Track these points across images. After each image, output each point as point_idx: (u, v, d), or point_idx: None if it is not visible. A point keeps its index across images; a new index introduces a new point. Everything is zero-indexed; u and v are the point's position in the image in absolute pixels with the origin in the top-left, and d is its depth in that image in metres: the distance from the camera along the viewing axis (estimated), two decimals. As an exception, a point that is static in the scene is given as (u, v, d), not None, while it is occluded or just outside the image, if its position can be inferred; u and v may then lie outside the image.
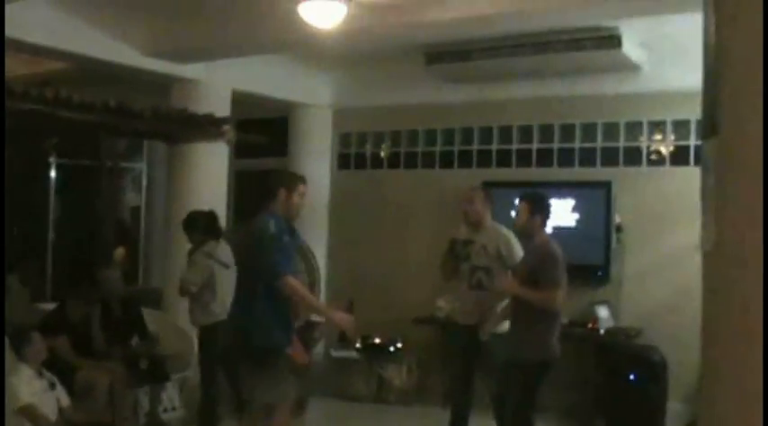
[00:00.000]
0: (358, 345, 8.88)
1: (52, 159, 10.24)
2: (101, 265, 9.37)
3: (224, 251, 7.07)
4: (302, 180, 5.84)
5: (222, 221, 8.28)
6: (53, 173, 10.34)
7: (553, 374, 7.61)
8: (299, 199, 5.71)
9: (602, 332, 7.90)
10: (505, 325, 6.10)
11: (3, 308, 6.30)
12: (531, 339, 5.71)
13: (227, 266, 6.88)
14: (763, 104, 1.56)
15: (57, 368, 6.60)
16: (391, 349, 8.80)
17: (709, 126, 1.77)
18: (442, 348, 8.62)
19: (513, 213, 6.14)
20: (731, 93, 1.67)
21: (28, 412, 6.10)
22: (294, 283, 5.55)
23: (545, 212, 5.87)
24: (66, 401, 6.51)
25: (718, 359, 1.70)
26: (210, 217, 7.22)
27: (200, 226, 7.10)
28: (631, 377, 7.48)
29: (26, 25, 6.74)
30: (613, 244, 8.12)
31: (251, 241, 5.72)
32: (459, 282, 6.63)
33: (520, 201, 5.95)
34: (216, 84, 8.42)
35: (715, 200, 1.71)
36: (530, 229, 5.84)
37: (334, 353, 9.04)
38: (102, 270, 7.89)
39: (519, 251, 6.32)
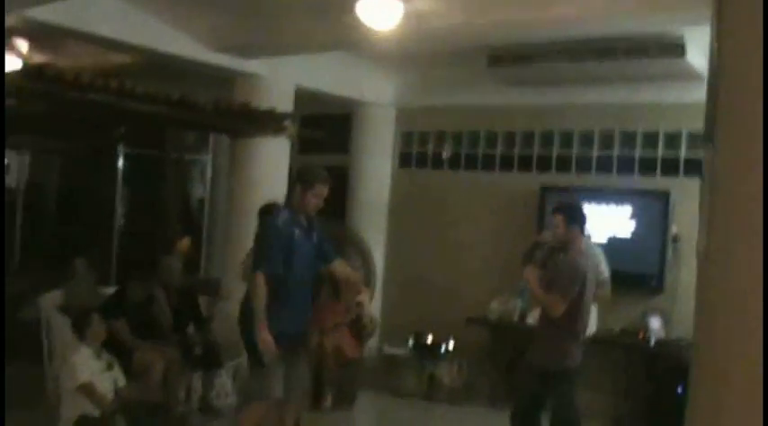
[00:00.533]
0: (410, 343, 8.96)
1: (120, 149, 10.49)
2: (164, 253, 9.61)
3: None
4: (321, 179, 5.62)
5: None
6: (120, 163, 10.59)
7: (604, 381, 7.66)
8: (314, 199, 5.57)
9: (652, 342, 7.87)
10: None
11: (3, 308, 6.47)
12: (551, 346, 5.73)
13: None
14: (763, 118, 1.61)
15: (115, 349, 6.82)
16: (443, 348, 8.86)
17: (707, 137, 1.83)
18: (493, 348, 8.70)
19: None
20: (725, 106, 1.72)
21: (86, 390, 6.31)
22: (256, 283, 5.44)
23: (581, 220, 5.83)
24: (122, 381, 6.71)
25: (708, 355, 1.76)
26: None
27: None
28: (679, 389, 7.43)
29: (94, 17, 6.95)
30: (669, 255, 8.07)
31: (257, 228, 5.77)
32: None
33: (554, 213, 5.88)
34: (279, 80, 8.56)
35: (707, 207, 1.76)
36: (568, 241, 5.76)
37: (387, 349, 9.13)
38: (165, 257, 8.05)
39: (605, 268, 6.52)
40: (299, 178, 5.68)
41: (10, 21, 6.55)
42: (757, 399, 1.56)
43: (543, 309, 5.81)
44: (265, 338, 5.43)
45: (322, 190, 5.60)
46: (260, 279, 5.43)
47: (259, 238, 5.61)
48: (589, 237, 6.71)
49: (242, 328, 5.71)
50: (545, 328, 5.83)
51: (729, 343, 1.66)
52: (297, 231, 5.56)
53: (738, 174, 1.64)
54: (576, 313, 5.68)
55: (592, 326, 6.68)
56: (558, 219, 5.79)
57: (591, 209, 8.31)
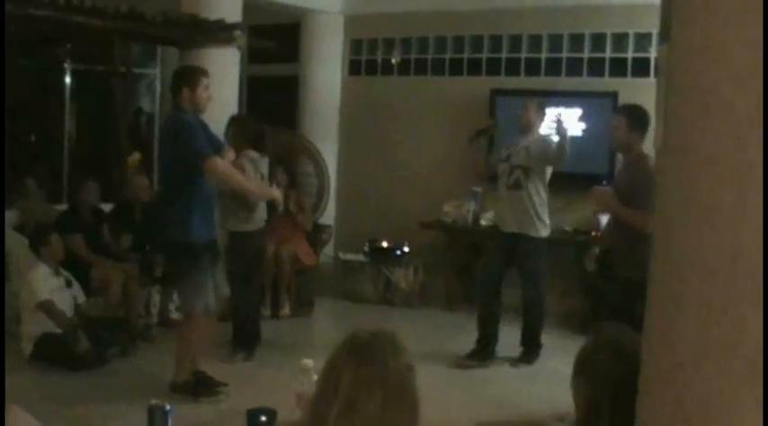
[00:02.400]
0: (366, 248, 9.08)
1: (66, 65, 10.31)
2: (117, 169, 9.54)
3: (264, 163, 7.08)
4: (203, 72, 5.70)
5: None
6: (68, 79, 10.42)
7: (557, 281, 7.84)
8: (204, 92, 5.60)
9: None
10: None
11: (3, 307, 6.44)
12: (633, 258, 5.09)
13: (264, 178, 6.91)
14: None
15: (73, 266, 6.84)
16: (398, 252, 9.00)
17: (663, 32, 1.88)
18: (448, 252, 8.85)
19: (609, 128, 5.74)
20: (680, 3, 1.77)
21: (46, 307, 6.37)
22: (220, 163, 5.51)
23: (644, 126, 5.39)
24: (81, 298, 6.77)
25: (660, 252, 1.84)
26: (260, 128, 7.20)
27: (249, 133, 6.96)
28: (631, 282, 7.62)
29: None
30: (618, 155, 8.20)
31: (167, 136, 5.69)
32: (500, 187, 6.82)
33: (615, 115, 5.67)
34: (227, -10, 8.43)
35: (664, 102, 1.83)
36: (629, 146, 5.45)
37: (343, 256, 9.25)
38: (134, 176, 7.97)
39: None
40: (183, 82, 5.64)
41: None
42: (714, 288, 1.64)
43: (628, 225, 5.22)
44: (270, 190, 6.17)
45: (207, 82, 5.67)
46: (216, 159, 5.50)
47: (185, 135, 5.50)
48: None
49: (169, 231, 5.64)
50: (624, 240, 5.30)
51: (687, 234, 1.73)
52: (200, 131, 5.62)
53: (694, 70, 1.70)
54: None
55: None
56: (620, 121, 5.50)
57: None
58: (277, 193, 6.25)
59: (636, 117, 5.45)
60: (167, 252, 5.91)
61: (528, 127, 6.80)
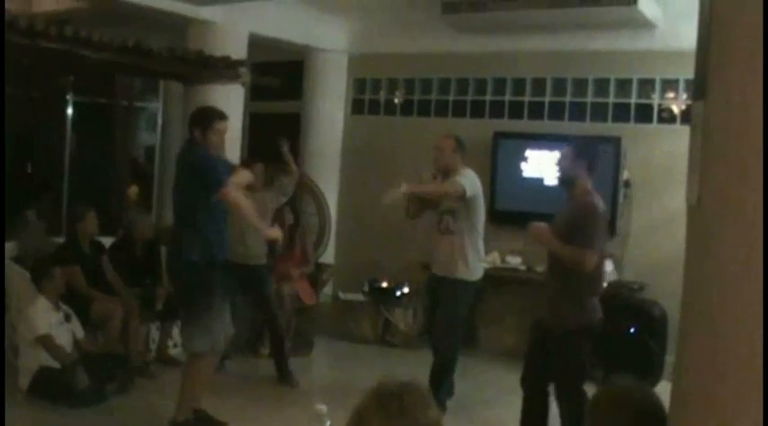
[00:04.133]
0: (365, 288, 9.05)
1: (69, 97, 10.33)
2: (117, 203, 9.54)
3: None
4: (219, 115, 5.70)
5: (235, 163, 8.41)
6: (70, 111, 10.44)
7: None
8: (216, 136, 5.62)
9: (605, 285, 8.01)
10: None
11: (3, 306, 6.40)
12: (568, 301, 5.15)
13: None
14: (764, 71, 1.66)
15: (72, 300, 6.80)
16: (398, 293, 8.96)
17: (699, 88, 1.88)
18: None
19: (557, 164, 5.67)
20: (719, 58, 1.77)
21: (44, 342, 6.31)
22: (234, 195, 5.47)
23: (591, 159, 5.24)
24: (80, 332, 6.72)
25: (694, 307, 1.83)
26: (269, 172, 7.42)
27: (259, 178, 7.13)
28: (632, 330, 7.61)
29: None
30: (620, 199, 8.22)
31: (184, 165, 5.65)
32: (432, 233, 6.75)
33: (566, 148, 5.41)
34: (232, 27, 8.47)
35: (700, 159, 1.82)
36: (572, 176, 5.20)
37: (342, 296, 9.21)
38: (135, 211, 7.95)
39: (479, 189, 6.44)
40: (194, 123, 5.66)
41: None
42: (750, 341, 1.62)
43: (570, 265, 5.05)
44: (272, 229, 6.01)
45: (221, 126, 5.67)
46: (232, 189, 5.47)
47: (205, 161, 5.52)
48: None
49: (186, 274, 5.61)
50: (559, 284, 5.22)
51: (721, 290, 1.71)
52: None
53: (734, 127, 1.69)
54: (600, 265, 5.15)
55: None
56: (567, 151, 5.32)
57: (543, 155, 8.50)
58: (276, 233, 6.19)
59: (583, 148, 5.33)
60: (181, 276, 5.80)
61: (447, 169, 6.52)
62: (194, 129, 5.63)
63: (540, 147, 8.61)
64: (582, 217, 5.08)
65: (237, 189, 5.59)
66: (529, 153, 8.68)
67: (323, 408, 3.03)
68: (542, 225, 5.23)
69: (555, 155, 7.50)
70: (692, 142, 1.92)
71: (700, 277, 1.82)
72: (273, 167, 7.73)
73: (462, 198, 6.36)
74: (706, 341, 1.76)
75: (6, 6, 6.06)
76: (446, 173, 6.55)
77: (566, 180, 5.30)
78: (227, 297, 5.79)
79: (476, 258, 6.55)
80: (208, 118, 5.67)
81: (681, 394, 1.87)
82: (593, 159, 5.28)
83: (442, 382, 6.54)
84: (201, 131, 5.59)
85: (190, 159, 5.61)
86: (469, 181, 6.40)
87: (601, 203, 5.16)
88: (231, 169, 5.79)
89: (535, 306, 7.34)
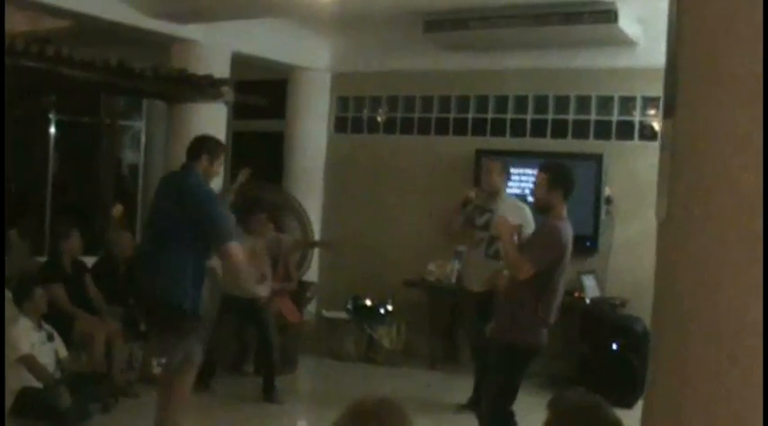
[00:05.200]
0: (349, 306, 9.05)
1: (51, 115, 10.32)
2: (100, 222, 9.51)
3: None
4: (223, 148, 5.87)
5: (218, 182, 8.43)
6: (52, 130, 10.43)
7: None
8: (219, 168, 5.75)
9: (587, 301, 8.06)
10: None
11: (3, 304, 6.39)
12: (521, 320, 5.16)
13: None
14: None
15: (55, 320, 6.78)
16: (381, 310, 8.96)
17: (668, 107, 1.91)
18: (431, 310, 8.82)
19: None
20: (686, 78, 1.80)
21: (27, 362, 6.29)
22: (237, 251, 5.44)
23: (567, 185, 5.22)
24: (63, 352, 6.70)
25: (663, 320, 1.86)
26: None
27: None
28: (614, 346, 7.63)
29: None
30: (602, 216, 8.27)
31: (181, 193, 5.47)
32: (471, 248, 6.79)
33: (539, 172, 5.34)
34: (216, 46, 8.51)
35: (668, 176, 1.85)
36: (548, 204, 5.21)
37: (326, 313, 9.21)
38: (116, 231, 7.94)
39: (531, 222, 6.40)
40: (206, 149, 5.60)
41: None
42: (719, 356, 1.65)
43: (509, 270, 5.24)
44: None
45: (222, 159, 5.77)
46: (235, 246, 5.43)
47: (211, 205, 5.45)
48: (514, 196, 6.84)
49: (171, 294, 5.43)
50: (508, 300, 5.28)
51: (691, 306, 1.74)
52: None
53: (699, 146, 1.73)
54: (543, 290, 5.11)
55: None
56: (542, 178, 5.24)
57: (524, 173, 8.53)
58: (263, 293, 6.23)
59: (559, 176, 5.24)
60: (153, 311, 5.78)
61: (495, 192, 6.77)
62: (203, 156, 5.56)
63: (521, 165, 8.65)
64: (540, 233, 5.27)
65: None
66: (511, 170, 8.71)
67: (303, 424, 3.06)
68: (510, 222, 5.32)
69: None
70: (660, 159, 1.95)
71: (669, 291, 1.85)
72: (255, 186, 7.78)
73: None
74: (675, 354, 1.79)
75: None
76: (490, 197, 6.78)
77: (542, 208, 5.34)
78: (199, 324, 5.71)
79: None
80: (218, 147, 5.72)
81: (650, 407, 1.90)
82: (569, 186, 5.24)
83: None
84: (210, 159, 5.57)
85: (186, 189, 5.47)
86: (528, 218, 6.41)
87: (567, 230, 5.19)
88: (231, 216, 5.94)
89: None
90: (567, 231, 5.18)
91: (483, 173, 6.82)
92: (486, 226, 6.71)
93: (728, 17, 1.67)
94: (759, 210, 1.60)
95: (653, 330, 1.94)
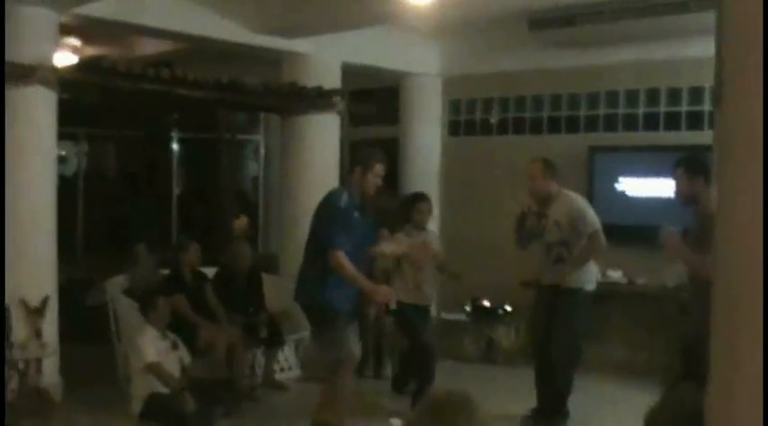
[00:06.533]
0: (468, 308, 9.10)
1: (174, 133, 10.71)
2: (223, 234, 9.82)
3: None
4: (380, 159, 5.87)
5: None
6: (175, 147, 10.82)
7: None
8: (374, 178, 5.80)
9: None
10: None
11: (3, 303, 6.66)
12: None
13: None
14: (763, 80, 1.71)
15: (179, 328, 7.06)
16: (500, 311, 8.99)
17: (716, 97, 1.92)
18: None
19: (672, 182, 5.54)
20: (731, 68, 1.82)
21: (154, 369, 6.57)
22: (341, 259, 5.62)
23: (705, 171, 5.21)
24: (188, 359, 6.95)
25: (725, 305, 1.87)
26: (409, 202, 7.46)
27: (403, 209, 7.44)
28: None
29: (142, 9, 7.17)
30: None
31: (320, 208, 5.91)
32: (543, 261, 6.69)
33: (674, 170, 5.43)
34: (325, 57, 8.68)
35: (717, 165, 1.87)
36: (691, 195, 5.25)
37: (445, 315, 9.28)
38: (234, 242, 8.19)
39: (593, 215, 6.31)
40: (357, 161, 5.88)
41: (63, 18, 6.78)
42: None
43: (696, 272, 5.02)
44: (381, 290, 5.92)
45: (381, 171, 5.84)
46: (340, 254, 5.64)
47: (330, 219, 5.76)
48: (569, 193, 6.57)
49: (312, 298, 5.85)
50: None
51: (745, 294, 1.76)
52: (355, 214, 5.82)
53: (741, 135, 1.74)
54: None
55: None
56: (679, 173, 5.35)
57: (638, 167, 8.44)
58: (380, 297, 6.07)
59: (696, 165, 5.30)
60: (307, 313, 6.10)
61: (544, 195, 6.43)
62: (354, 167, 5.85)
63: (637, 159, 8.55)
64: (708, 228, 5.01)
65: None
66: (625, 167, 8.62)
67: (396, 422, 3.15)
68: (674, 231, 5.17)
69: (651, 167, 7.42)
70: (714, 147, 1.97)
71: (722, 280, 1.86)
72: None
73: (574, 227, 6.31)
74: (730, 356, 1.80)
75: (107, 52, 6.40)
76: (543, 201, 6.49)
77: (687, 200, 5.30)
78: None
79: (588, 270, 6.50)
80: (371, 158, 5.86)
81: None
82: (708, 171, 5.18)
83: (563, 403, 6.51)
84: (363, 170, 5.79)
85: (328, 206, 5.84)
86: (592, 218, 6.32)
87: None
88: (368, 236, 6.08)
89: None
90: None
91: (527, 179, 6.49)
92: (541, 234, 6.52)
93: None
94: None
95: (713, 317, 1.95)
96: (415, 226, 7.21)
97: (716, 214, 1.91)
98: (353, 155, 6.08)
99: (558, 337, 6.42)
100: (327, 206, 5.82)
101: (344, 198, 5.78)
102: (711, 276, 4.62)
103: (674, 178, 5.41)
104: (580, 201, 6.46)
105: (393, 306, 5.84)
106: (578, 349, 6.63)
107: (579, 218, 6.34)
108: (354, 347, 5.83)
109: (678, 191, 5.39)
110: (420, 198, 7.46)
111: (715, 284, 1.92)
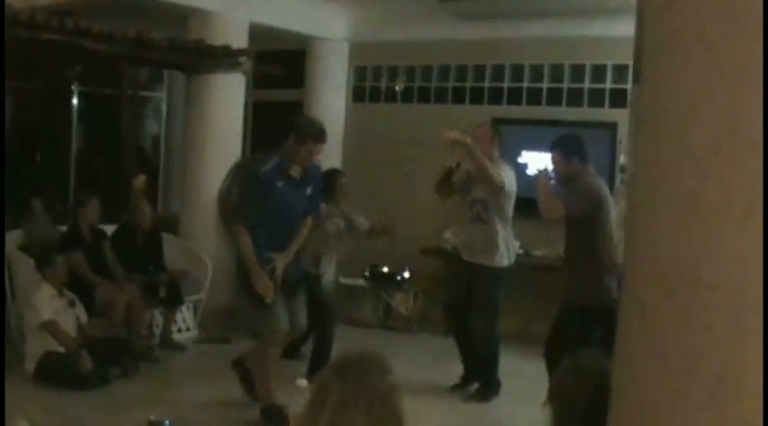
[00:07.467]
0: (366, 273, 9.17)
1: (74, 87, 10.45)
2: (124, 192, 9.63)
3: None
4: (316, 137, 5.72)
5: (237, 151, 8.55)
6: (75, 101, 10.56)
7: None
8: (306, 154, 5.68)
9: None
10: None
11: (3, 304, 6.52)
12: (584, 280, 5.44)
13: None
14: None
15: (76, 286, 6.94)
16: (398, 278, 9.09)
17: (635, 73, 1.99)
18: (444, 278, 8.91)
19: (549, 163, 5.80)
20: (650, 44, 1.88)
21: (49, 327, 6.46)
22: (237, 233, 5.62)
23: (579, 151, 5.52)
24: (84, 318, 6.86)
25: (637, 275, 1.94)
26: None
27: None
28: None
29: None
30: (617, 184, 8.30)
31: (238, 173, 5.84)
32: (461, 218, 6.83)
33: (551, 152, 5.64)
34: (233, 16, 8.58)
35: (633, 138, 1.93)
36: (569, 175, 5.48)
37: (344, 280, 9.33)
38: (134, 199, 8.06)
39: (514, 183, 6.48)
40: (293, 130, 5.71)
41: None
42: (674, 312, 1.73)
43: (542, 211, 5.53)
44: (263, 282, 5.60)
45: (313, 148, 5.71)
46: (240, 230, 5.61)
47: (238, 192, 5.66)
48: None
49: (240, 272, 5.79)
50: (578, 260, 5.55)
51: (653, 257, 1.82)
52: (281, 182, 5.65)
53: (658, 109, 1.80)
54: (594, 242, 5.42)
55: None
56: (555, 156, 5.56)
57: (541, 141, 8.58)
58: (259, 287, 5.68)
59: (567, 145, 5.59)
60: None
61: (483, 154, 6.40)
62: (290, 135, 5.69)
63: (538, 133, 8.70)
64: (581, 194, 5.42)
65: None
66: (528, 141, 8.77)
67: (303, 382, 3.17)
68: (548, 175, 5.58)
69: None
70: (630, 123, 2.03)
71: (635, 251, 1.93)
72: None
73: (498, 190, 6.39)
74: (635, 318, 1.87)
75: (8, 0, 6.19)
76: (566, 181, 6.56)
77: (565, 180, 5.54)
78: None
79: (507, 246, 6.62)
80: (307, 133, 5.71)
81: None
82: (583, 151, 5.55)
83: (493, 372, 6.66)
84: (296, 142, 5.66)
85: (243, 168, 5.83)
86: (508, 179, 6.45)
87: (599, 181, 5.57)
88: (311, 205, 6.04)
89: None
90: (600, 182, 5.51)
91: (477, 141, 6.40)
92: (469, 191, 6.66)
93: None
94: (714, 175, 1.67)
95: (624, 281, 2.02)
96: (336, 203, 7.24)
97: (630, 187, 1.97)
98: (293, 122, 5.88)
99: (481, 314, 6.56)
100: (240, 178, 5.71)
101: (267, 165, 5.64)
102: (548, 215, 5.37)
103: (552, 161, 5.61)
104: (511, 172, 6.58)
105: (268, 300, 5.58)
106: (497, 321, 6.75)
107: (510, 187, 6.46)
108: (278, 321, 5.69)
109: (556, 171, 5.60)
110: (339, 173, 7.57)
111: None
